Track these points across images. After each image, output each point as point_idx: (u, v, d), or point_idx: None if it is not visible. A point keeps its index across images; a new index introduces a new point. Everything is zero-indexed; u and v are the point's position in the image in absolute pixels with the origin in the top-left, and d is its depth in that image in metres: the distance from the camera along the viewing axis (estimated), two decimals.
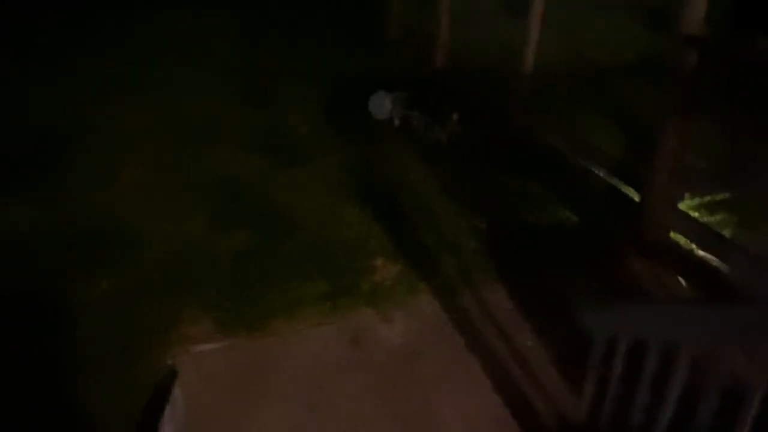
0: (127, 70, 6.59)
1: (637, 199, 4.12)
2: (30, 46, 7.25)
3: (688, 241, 3.79)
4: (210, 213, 4.35)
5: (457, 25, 6.22)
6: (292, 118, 5.78)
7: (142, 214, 4.29)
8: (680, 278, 3.67)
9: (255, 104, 6.04)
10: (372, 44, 7.24)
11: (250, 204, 4.46)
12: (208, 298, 3.62)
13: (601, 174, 4.50)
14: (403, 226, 4.34)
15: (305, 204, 4.51)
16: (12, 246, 3.98)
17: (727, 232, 3.91)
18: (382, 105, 5.84)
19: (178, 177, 4.78)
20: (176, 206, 4.42)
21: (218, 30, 7.95)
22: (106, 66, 6.69)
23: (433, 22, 6.41)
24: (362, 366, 3.24)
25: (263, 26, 7.90)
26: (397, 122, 5.81)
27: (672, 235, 3.86)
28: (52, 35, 7.46)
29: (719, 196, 4.19)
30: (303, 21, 7.97)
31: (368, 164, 5.09)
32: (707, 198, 4.17)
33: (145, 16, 8.07)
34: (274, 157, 5.07)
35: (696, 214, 4.03)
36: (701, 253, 3.71)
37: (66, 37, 7.42)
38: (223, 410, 2.97)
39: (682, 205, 3.96)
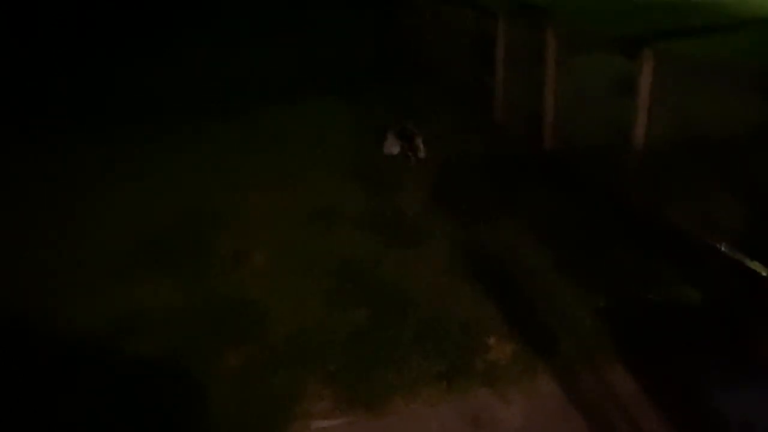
0: (251, 161, 7.13)
1: (764, 273, 3.94)
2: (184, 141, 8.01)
3: None
4: (329, 292, 4.54)
5: (565, 105, 6.29)
6: (403, 199, 6.01)
7: (267, 293, 4.56)
8: None
9: (367, 187, 6.33)
10: (479, 127, 7.47)
11: (366, 283, 4.62)
12: (329, 376, 3.77)
13: (725, 249, 4.33)
14: (517, 304, 4.33)
15: (418, 283, 4.61)
16: (155, 320, 4.34)
17: None
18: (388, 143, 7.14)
19: (299, 258, 5.04)
20: (298, 286, 4.65)
21: (339, 113, 8.52)
22: (233, 157, 7.30)
23: (540, 103, 6.52)
24: None
25: (377, 112, 8.34)
26: (395, 150, 7.08)
27: None
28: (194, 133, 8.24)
29: None
30: (415, 105, 8.37)
31: (478, 243, 5.16)
32: None
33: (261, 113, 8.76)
34: (387, 237, 5.26)
35: None
36: None
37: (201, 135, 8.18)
38: None
39: None
